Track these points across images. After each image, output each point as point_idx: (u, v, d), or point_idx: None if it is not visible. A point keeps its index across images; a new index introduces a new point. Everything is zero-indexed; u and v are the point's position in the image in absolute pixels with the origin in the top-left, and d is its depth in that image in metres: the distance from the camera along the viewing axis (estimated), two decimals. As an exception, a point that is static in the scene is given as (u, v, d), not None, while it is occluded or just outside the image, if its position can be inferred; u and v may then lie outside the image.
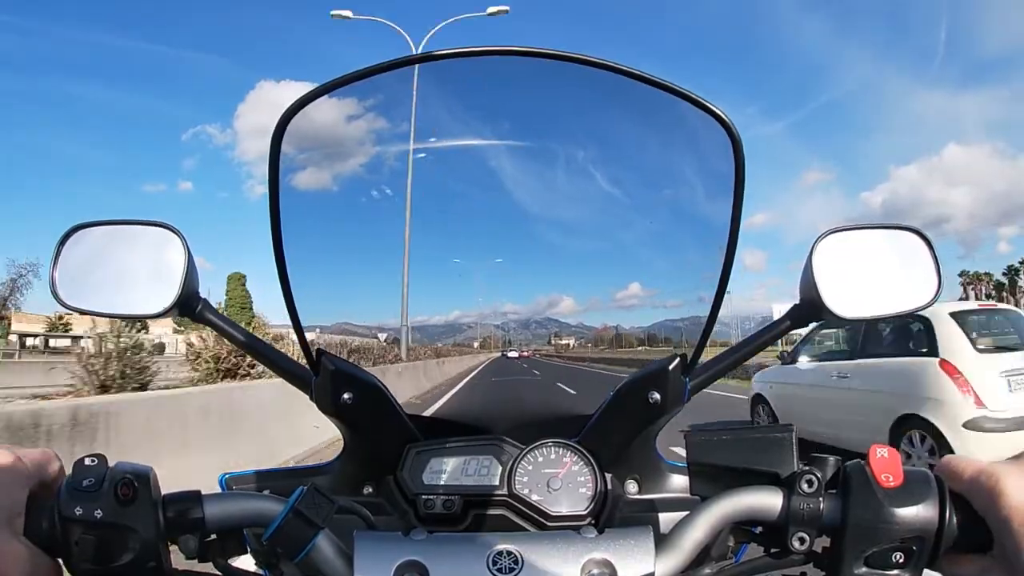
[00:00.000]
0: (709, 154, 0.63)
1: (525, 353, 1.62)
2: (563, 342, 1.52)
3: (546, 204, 0.85)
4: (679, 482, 0.76)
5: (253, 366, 7.88)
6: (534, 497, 0.72)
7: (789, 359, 6.86)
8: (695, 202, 0.75)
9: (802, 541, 0.52)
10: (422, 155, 0.82)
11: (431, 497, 0.71)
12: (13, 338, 40.11)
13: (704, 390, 0.74)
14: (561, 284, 0.93)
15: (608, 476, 0.73)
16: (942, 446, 4.67)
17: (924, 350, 5.09)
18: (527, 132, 0.80)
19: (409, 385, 4.44)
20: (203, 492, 0.54)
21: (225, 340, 0.77)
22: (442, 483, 0.74)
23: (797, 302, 0.71)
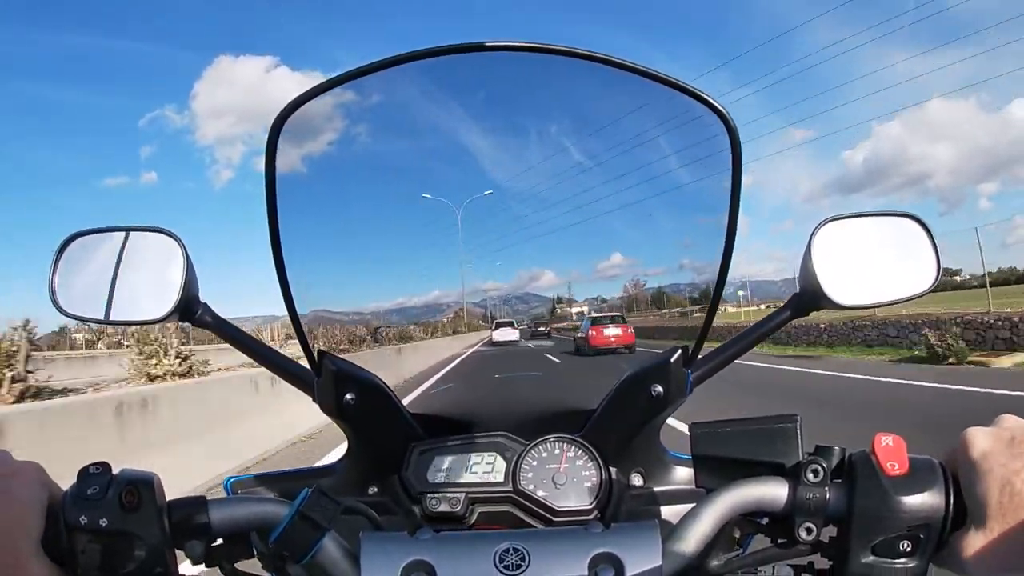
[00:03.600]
0: (693, 133, 0.64)
1: (542, 327, 1.18)
2: (575, 310, 1.21)
3: (526, 181, 0.85)
4: (684, 474, 0.76)
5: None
6: (539, 493, 0.72)
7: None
8: (674, 172, 0.76)
9: (809, 531, 0.52)
10: (413, 151, 0.82)
11: (436, 496, 0.71)
12: None
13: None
14: (541, 258, 0.92)
15: (613, 470, 0.73)
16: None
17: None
18: (509, 114, 0.81)
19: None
20: (208, 498, 0.54)
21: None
22: (447, 481, 0.74)
23: (797, 291, 0.71)
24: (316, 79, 0.64)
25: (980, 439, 0.49)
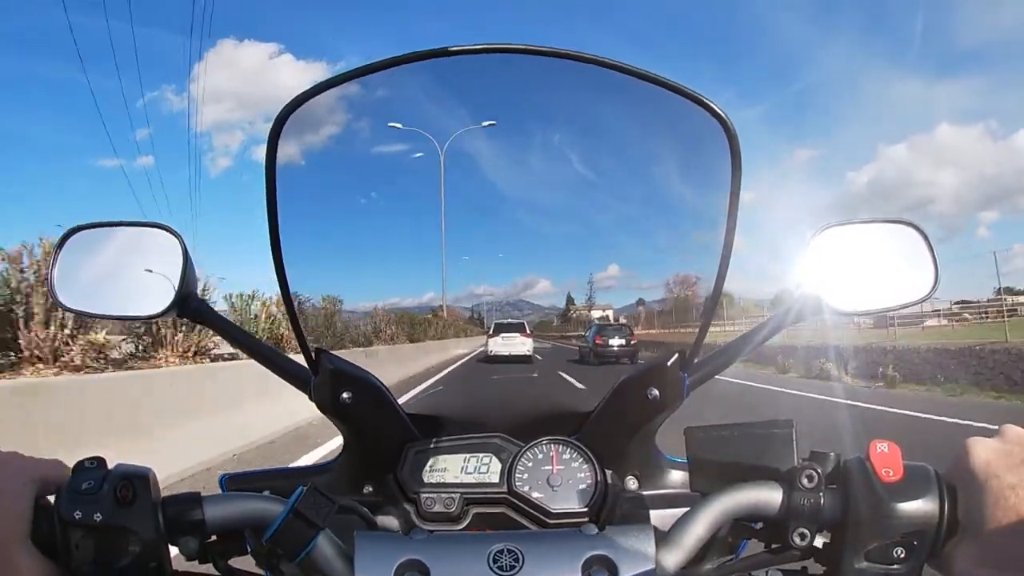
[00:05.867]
0: (693, 143, 0.64)
1: (619, 337, 0.83)
2: (596, 314, 0.95)
3: (526, 188, 0.84)
4: (679, 478, 0.75)
5: None
6: (534, 495, 0.72)
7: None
8: (678, 188, 0.76)
9: (803, 536, 0.52)
10: (419, 153, 0.81)
11: (431, 496, 0.71)
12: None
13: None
14: (538, 266, 0.87)
15: (608, 473, 0.73)
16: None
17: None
18: (514, 122, 0.80)
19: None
20: (203, 494, 0.54)
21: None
22: (442, 482, 0.74)
23: (795, 296, 0.71)
24: (320, 70, 0.64)
25: (980, 449, 0.49)
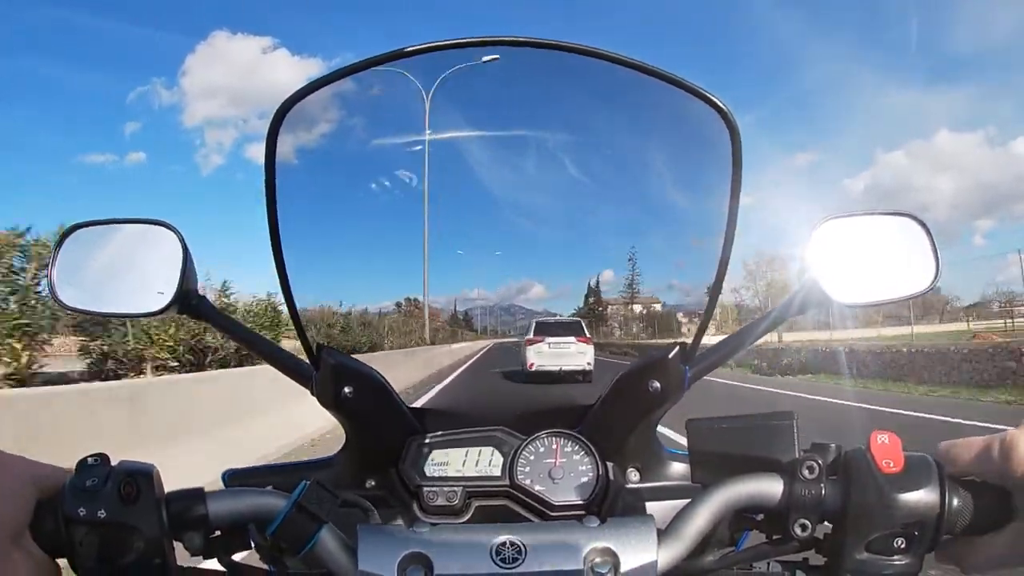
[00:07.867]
0: (692, 140, 0.63)
1: None
2: (638, 309, 0.84)
3: (519, 190, 0.83)
4: (680, 470, 0.76)
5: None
6: (536, 487, 0.72)
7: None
8: (676, 187, 0.75)
9: (804, 527, 0.53)
10: (418, 146, 0.81)
11: (433, 489, 0.72)
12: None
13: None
14: (532, 270, 0.86)
15: (609, 465, 0.73)
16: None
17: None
18: (510, 121, 0.80)
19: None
20: (206, 490, 0.54)
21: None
22: (444, 475, 0.74)
23: (797, 288, 0.71)
24: (317, 65, 0.64)
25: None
